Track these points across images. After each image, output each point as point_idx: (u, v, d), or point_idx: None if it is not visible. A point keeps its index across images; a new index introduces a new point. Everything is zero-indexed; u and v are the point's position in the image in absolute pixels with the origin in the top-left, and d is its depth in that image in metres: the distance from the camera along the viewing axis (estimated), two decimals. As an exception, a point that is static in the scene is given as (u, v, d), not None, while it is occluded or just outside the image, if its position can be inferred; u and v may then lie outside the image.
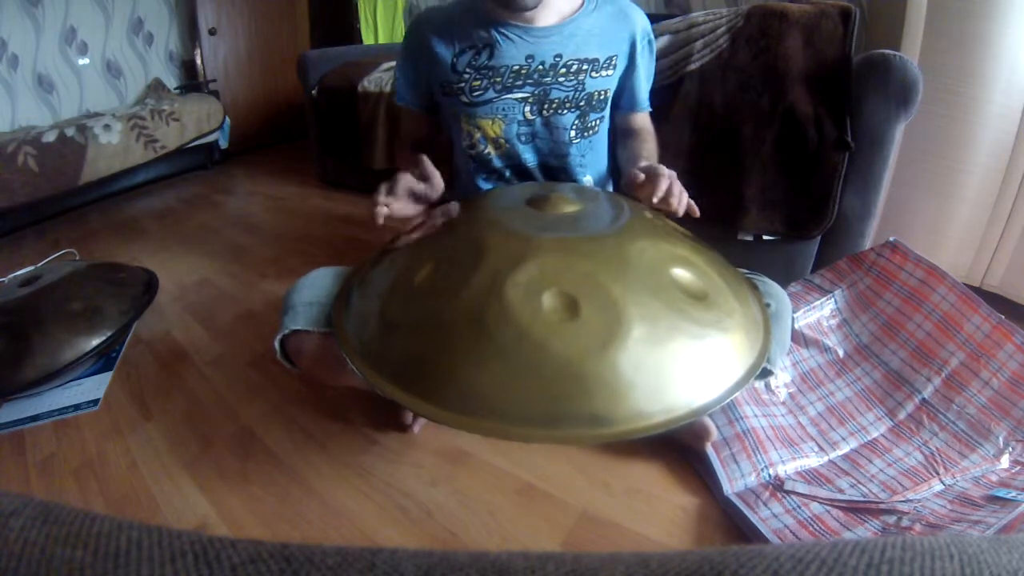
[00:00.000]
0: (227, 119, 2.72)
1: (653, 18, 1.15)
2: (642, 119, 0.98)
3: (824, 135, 1.06)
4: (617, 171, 0.99)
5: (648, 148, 0.93)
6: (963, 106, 1.12)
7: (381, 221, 0.67)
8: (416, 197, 0.72)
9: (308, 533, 0.78)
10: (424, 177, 0.71)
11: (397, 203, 0.69)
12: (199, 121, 2.54)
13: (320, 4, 3.33)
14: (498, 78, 0.84)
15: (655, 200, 0.70)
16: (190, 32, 2.89)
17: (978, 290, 1.08)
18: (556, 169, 0.93)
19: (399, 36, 3.01)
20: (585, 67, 0.85)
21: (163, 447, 0.96)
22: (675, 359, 0.53)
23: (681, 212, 0.71)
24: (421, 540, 0.76)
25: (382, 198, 0.67)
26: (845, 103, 1.04)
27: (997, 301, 1.09)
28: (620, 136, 0.97)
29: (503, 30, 0.83)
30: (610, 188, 1.01)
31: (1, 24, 2.29)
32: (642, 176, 0.73)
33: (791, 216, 1.13)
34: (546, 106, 0.87)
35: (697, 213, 0.71)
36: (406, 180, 0.70)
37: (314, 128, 2.31)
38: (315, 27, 3.36)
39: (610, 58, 0.87)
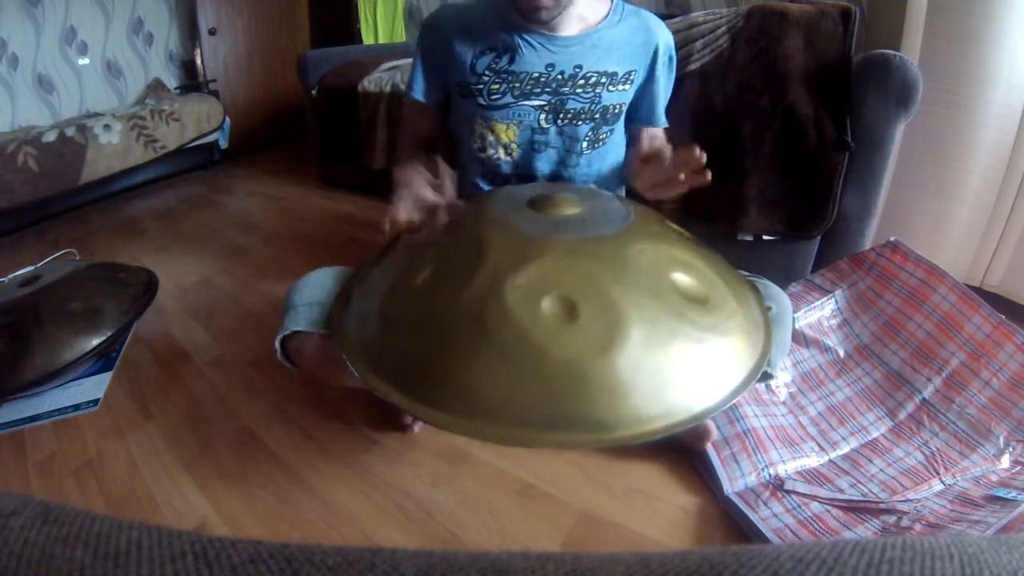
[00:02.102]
0: (227, 119, 2.72)
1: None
2: (656, 134, 0.96)
3: (824, 135, 1.06)
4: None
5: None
6: (963, 106, 1.12)
7: (388, 229, 0.66)
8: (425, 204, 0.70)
9: (308, 533, 0.78)
10: (438, 185, 0.71)
11: (406, 216, 0.68)
12: (199, 121, 2.54)
13: (320, 4, 3.33)
14: (517, 83, 0.83)
15: (667, 164, 0.71)
16: (190, 32, 2.89)
17: (978, 290, 1.08)
18: (563, 179, 0.92)
19: (399, 36, 3.01)
20: (603, 80, 0.84)
21: (163, 447, 0.96)
22: (675, 362, 0.53)
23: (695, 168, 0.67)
24: (421, 540, 0.76)
25: (401, 214, 0.66)
26: (845, 103, 1.04)
27: (997, 301, 1.09)
28: (632, 147, 0.96)
29: (526, 36, 0.82)
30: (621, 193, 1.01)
31: (1, 24, 2.29)
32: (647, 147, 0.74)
33: (791, 216, 1.13)
34: (561, 116, 0.86)
35: (708, 178, 0.66)
36: (421, 190, 0.70)
37: (314, 128, 2.31)
38: (315, 27, 3.36)
39: (628, 73, 0.86)
